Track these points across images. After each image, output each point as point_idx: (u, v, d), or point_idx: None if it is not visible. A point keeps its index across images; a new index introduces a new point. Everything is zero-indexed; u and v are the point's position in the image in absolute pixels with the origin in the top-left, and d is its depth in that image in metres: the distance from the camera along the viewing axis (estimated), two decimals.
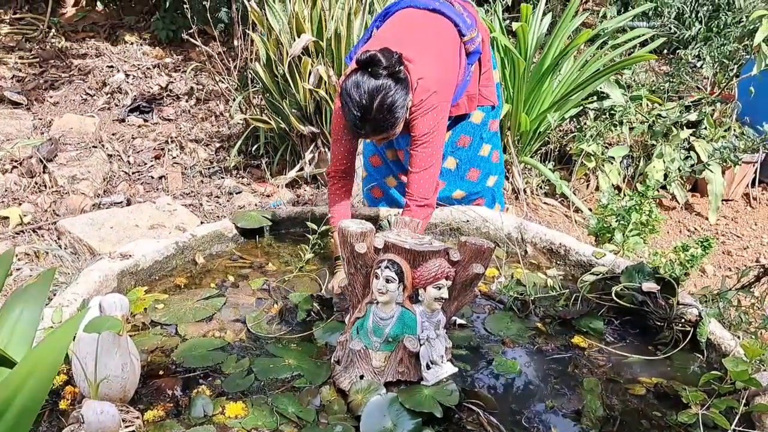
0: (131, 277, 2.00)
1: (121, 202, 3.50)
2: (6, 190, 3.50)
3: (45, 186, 3.59)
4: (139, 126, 4.59)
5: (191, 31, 4.25)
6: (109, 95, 5.00)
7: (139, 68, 5.43)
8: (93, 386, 1.34)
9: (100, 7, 6.60)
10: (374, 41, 2.23)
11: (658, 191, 3.99)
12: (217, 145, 4.35)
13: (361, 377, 1.54)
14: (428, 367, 1.54)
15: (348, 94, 1.97)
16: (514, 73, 3.87)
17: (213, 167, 4.08)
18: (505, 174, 2.95)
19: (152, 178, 3.91)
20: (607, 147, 4.12)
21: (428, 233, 2.29)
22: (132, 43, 5.93)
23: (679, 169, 3.96)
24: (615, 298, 1.93)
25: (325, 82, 3.59)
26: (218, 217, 3.42)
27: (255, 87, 4.06)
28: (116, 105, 4.89)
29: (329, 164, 2.31)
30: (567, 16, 4.00)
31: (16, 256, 2.80)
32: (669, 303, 1.88)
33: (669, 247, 3.49)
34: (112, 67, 5.42)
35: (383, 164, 2.77)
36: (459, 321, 1.85)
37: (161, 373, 1.63)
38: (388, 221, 2.30)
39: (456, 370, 1.59)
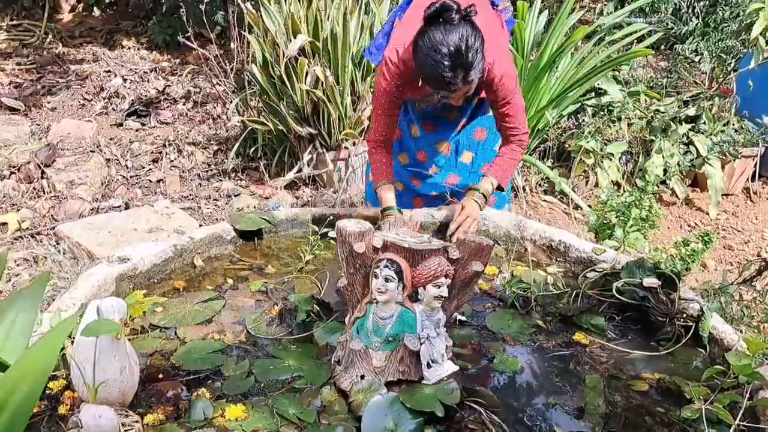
0: (130, 280, 1.99)
1: (120, 206, 3.50)
2: (4, 196, 3.50)
3: (43, 191, 3.59)
4: (137, 130, 4.58)
5: (188, 34, 4.25)
6: (106, 100, 5.00)
7: (136, 72, 5.43)
8: (91, 390, 1.33)
9: (97, 12, 6.60)
10: (407, 23, 2.25)
11: (658, 187, 3.98)
12: (215, 147, 4.34)
13: (362, 377, 1.53)
14: (429, 366, 1.53)
15: (432, 49, 1.96)
16: None
17: (211, 170, 4.07)
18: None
19: (150, 181, 3.90)
20: (605, 143, 4.12)
21: (426, 231, 2.29)
22: (129, 48, 5.93)
23: (678, 164, 3.95)
24: (616, 294, 1.92)
25: (322, 82, 3.58)
26: (217, 219, 3.42)
27: (252, 89, 4.05)
28: (114, 109, 4.89)
29: (370, 134, 2.45)
30: (563, 13, 4.00)
31: (15, 261, 2.79)
32: (670, 298, 1.87)
33: (670, 242, 3.48)
34: (109, 71, 5.42)
35: (410, 162, 2.76)
36: (460, 319, 1.84)
37: (161, 376, 1.62)
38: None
39: (457, 368, 1.58)
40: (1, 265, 0.96)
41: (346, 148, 3.91)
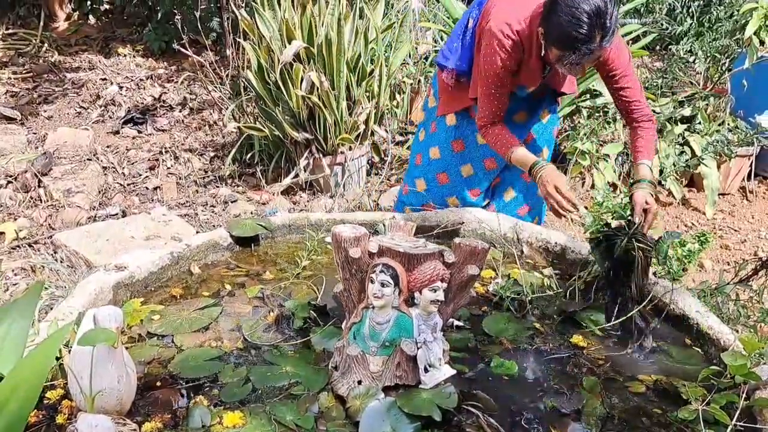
0: (127, 288, 1.99)
1: (117, 214, 3.50)
2: (1, 205, 3.50)
3: (40, 200, 3.59)
4: (134, 137, 4.59)
5: (183, 41, 4.26)
6: (102, 108, 5.01)
7: (132, 80, 5.43)
8: (89, 400, 1.33)
9: (92, 20, 6.61)
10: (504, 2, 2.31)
11: (654, 187, 3.99)
12: (212, 154, 4.35)
13: (359, 382, 1.54)
14: (426, 371, 1.53)
15: (573, 7, 2.01)
16: None
17: (208, 176, 4.08)
18: None
19: (147, 189, 3.90)
20: (601, 145, 4.12)
21: (421, 236, 2.29)
22: (125, 55, 5.94)
23: (674, 164, 3.96)
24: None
25: (317, 88, 3.59)
26: (214, 226, 3.42)
27: (248, 95, 4.06)
28: (110, 117, 4.89)
29: (478, 119, 2.47)
30: None
31: (13, 270, 2.79)
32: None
33: None
34: (105, 79, 5.43)
35: (450, 182, 2.76)
36: (456, 323, 1.85)
37: (158, 384, 1.62)
38: (384, 226, 2.30)
39: (454, 372, 1.58)
40: None
41: (342, 152, 3.91)
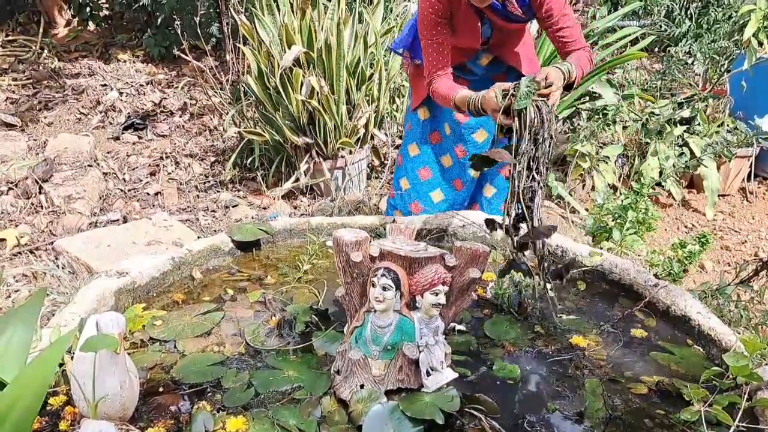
0: (129, 294, 2.00)
1: (118, 219, 3.50)
2: (2, 212, 3.51)
3: (41, 206, 3.60)
4: (134, 143, 4.59)
5: (183, 47, 4.27)
6: (103, 113, 5.01)
7: (132, 86, 5.44)
8: (91, 406, 1.33)
9: (92, 26, 6.62)
10: None
11: (654, 189, 4.00)
12: (212, 159, 4.35)
13: (362, 386, 1.54)
14: (428, 374, 1.53)
15: None
16: None
17: (208, 181, 4.08)
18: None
19: (148, 194, 3.91)
20: (601, 147, 4.13)
21: (423, 239, 2.29)
22: (125, 61, 5.95)
23: (674, 165, 3.96)
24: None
25: (317, 92, 3.60)
26: (215, 231, 3.42)
27: (248, 100, 4.07)
28: (110, 123, 4.90)
29: (424, 75, 2.43)
30: None
31: (14, 277, 2.80)
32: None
33: (667, 244, 3.49)
34: (105, 85, 5.43)
35: (432, 176, 2.76)
36: (458, 327, 1.85)
37: (161, 389, 1.62)
38: (385, 229, 2.30)
39: (456, 375, 1.58)
40: None
41: (342, 156, 3.92)
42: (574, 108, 4.20)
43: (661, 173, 3.97)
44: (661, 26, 5.42)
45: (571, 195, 3.95)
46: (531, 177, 1.82)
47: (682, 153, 4.08)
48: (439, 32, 2.36)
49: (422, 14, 2.37)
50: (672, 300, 1.93)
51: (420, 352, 1.52)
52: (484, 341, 1.83)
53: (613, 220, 2.64)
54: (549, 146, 1.85)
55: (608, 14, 4.94)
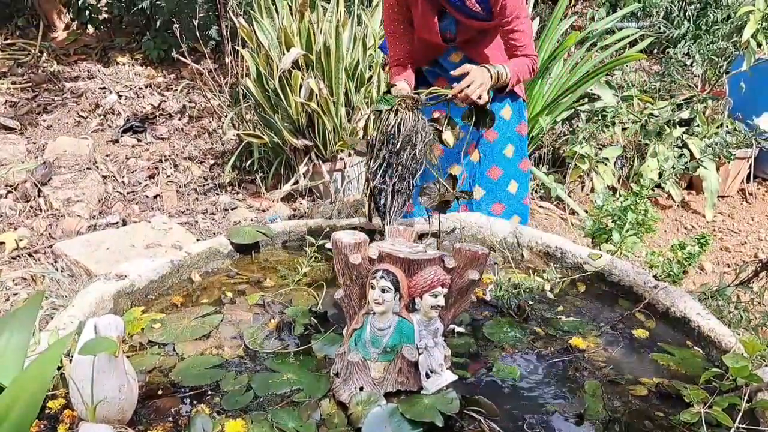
0: (127, 297, 1.99)
1: (117, 222, 3.50)
2: (1, 215, 3.50)
3: (40, 209, 3.59)
4: (133, 146, 4.59)
5: (182, 49, 4.27)
6: (102, 116, 5.01)
7: (131, 88, 5.44)
8: (90, 409, 1.33)
9: (91, 29, 6.62)
10: None
11: (654, 190, 4.00)
12: (211, 161, 4.35)
13: (361, 389, 1.53)
14: (428, 376, 1.53)
15: None
16: None
17: (208, 184, 4.08)
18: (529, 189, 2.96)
19: (147, 197, 3.91)
20: (600, 148, 4.13)
21: (421, 241, 2.29)
22: (124, 64, 5.95)
23: (673, 167, 3.97)
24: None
25: (316, 94, 3.60)
26: (214, 233, 3.42)
27: (247, 102, 4.07)
28: (109, 126, 4.90)
29: (389, 59, 2.56)
30: (555, 20, 4.02)
31: (13, 280, 2.79)
32: None
33: (666, 245, 3.49)
34: (104, 88, 5.43)
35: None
36: (457, 329, 1.84)
37: (160, 392, 1.62)
38: (380, 231, 2.30)
39: (456, 377, 1.58)
40: None
41: (341, 158, 3.92)
42: (573, 110, 4.20)
43: (660, 175, 3.97)
44: (659, 28, 5.42)
45: (570, 196, 3.95)
46: (383, 178, 1.93)
47: (682, 154, 4.08)
48: (396, 25, 2.49)
49: (383, 7, 2.52)
50: (672, 301, 1.93)
51: (419, 354, 1.51)
52: (484, 343, 1.82)
53: (612, 222, 2.64)
54: (410, 154, 1.91)
55: (607, 16, 4.95)
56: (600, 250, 2.38)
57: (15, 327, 0.93)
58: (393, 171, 1.93)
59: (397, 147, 1.89)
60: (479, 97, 2.18)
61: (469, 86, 2.17)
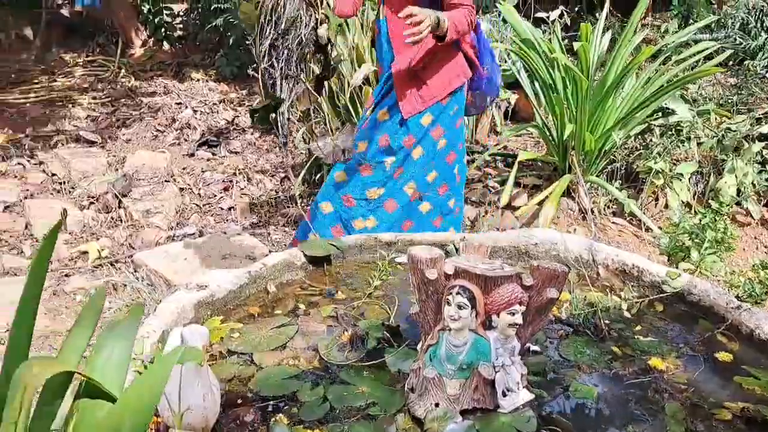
0: (207, 307, 2.05)
1: (194, 233, 3.61)
2: (84, 226, 3.66)
3: (120, 220, 3.74)
4: (208, 159, 4.74)
5: (254, 65, 4.38)
6: (178, 131, 5.19)
7: (205, 104, 5.62)
8: (177, 417, 1.37)
9: (166, 46, 6.88)
10: None
11: (732, 207, 3.87)
12: (283, 175, 4.44)
13: (437, 405, 1.54)
14: (504, 395, 1.52)
15: None
16: (576, 92, 3.83)
17: (279, 197, 4.17)
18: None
19: (222, 209, 4.02)
20: (675, 164, 4.02)
21: (497, 257, 2.28)
22: (198, 80, 6.15)
23: (753, 183, 3.83)
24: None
25: None
26: (285, 245, 3.49)
27: (317, 117, 4.14)
28: (185, 140, 5.07)
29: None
30: (627, 33, 3.95)
31: (95, 289, 2.91)
32: None
33: (746, 265, 3.37)
34: (180, 103, 5.63)
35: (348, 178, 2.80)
36: (532, 347, 1.83)
37: (239, 401, 1.66)
38: (455, 246, 2.31)
39: (532, 396, 1.57)
40: (100, 299, 1.01)
41: None
42: (646, 124, 4.11)
43: (739, 191, 3.84)
44: (735, 40, 5.26)
45: (643, 213, 3.86)
46: (270, 60, 2.00)
47: (762, 170, 3.93)
48: None
49: None
50: (756, 323, 1.86)
51: (496, 372, 1.51)
52: (560, 362, 1.80)
53: (690, 240, 2.57)
54: (295, 38, 1.94)
55: (679, 28, 4.83)
56: (677, 268, 2.32)
57: (117, 339, 0.98)
58: (280, 53, 1.96)
59: (282, 28, 1.92)
60: (420, 31, 2.28)
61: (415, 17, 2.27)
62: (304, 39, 1.98)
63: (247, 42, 4.76)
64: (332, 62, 2.10)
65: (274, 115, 1.99)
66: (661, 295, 2.06)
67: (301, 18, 1.98)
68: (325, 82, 2.28)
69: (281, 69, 1.98)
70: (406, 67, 2.57)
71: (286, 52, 1.98)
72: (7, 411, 0.80)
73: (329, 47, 2.18)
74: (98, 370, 0.95)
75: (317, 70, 2.22)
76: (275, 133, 1.96)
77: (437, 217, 2.85)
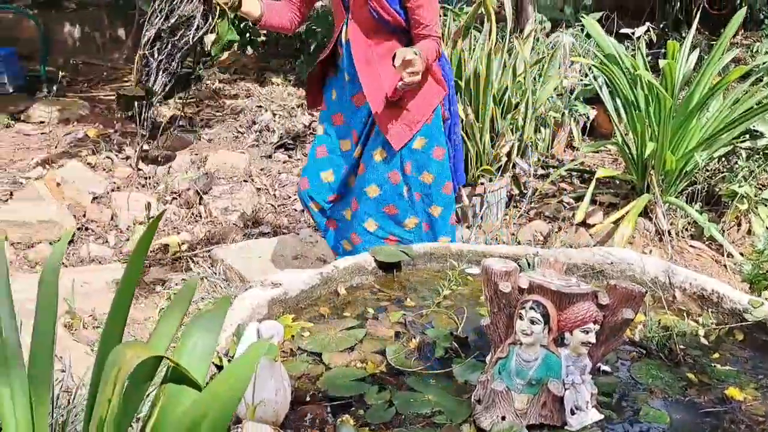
0: (280, 304, 2.11)
1: (269, 233, 3.71)
2: (166, 220, 3.81)
3: (200, 216, 3.88)
4: (284, 162, 4.86)
5: None
6: (257, 133, 5.34)
7: (284, 108, 5.76)
8: (250, 409, 1.42)
9: (249, 51, 7.08)
10: None
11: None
12: None
13: (503, 418, 1.53)
14: (573, 413, 1.50)
15: None
16: (659, 110, 3.74)
17: None
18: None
19: (295, 210, 4.11)
20: (761, 188, 3.87)
21: (572, 275, 2.25)
22: (278, 84, 6.31)
23: None
24: None
25: (463, 120, 3.64)
26: None
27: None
28: (264, 142, 5.21)
29: None
30: (716, 52, 3.83)
31: (175, 282, 3.03)
32: None
33: None
34: (260, 107, 5.79)
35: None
36: (604, 368, 1.80)
37: (307, 399, 1.70)
38: (527, 261, 2.29)
39: (601, 417, 1.55)
40: (190, 291, 1.06)
41: (482, 183, 3.93)
42: (732, 146, 3.97)
43: None
44: None
45: (724, 237, 3.73)
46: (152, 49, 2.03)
47: None
48: None
49: None
50: None
51: (566, 389, 1.50)
52: (631, 384, 1.76)
53: None
54: (182, 37, 1.92)
55: None
56: (760, 296, 2.23)
57: (203, 330, 1.02)
58: (164, 46, 1.97)
59: (171, 23, 1.93)
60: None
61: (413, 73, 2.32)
62: (190, 41, 2.03)
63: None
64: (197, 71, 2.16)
65: (137, 104, 2.04)
66: (742, 323, 1.99)
67: (195, 19, 2.02)
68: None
69: (160, 61, 2.03)
70: (383, 104, 2.60)
71: (170, 46, 2.03)
72: (101, 390, 0.85)
73: (209, 59, 2.26)
74: (184, 359, 1.00)
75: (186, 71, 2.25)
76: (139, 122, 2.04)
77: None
